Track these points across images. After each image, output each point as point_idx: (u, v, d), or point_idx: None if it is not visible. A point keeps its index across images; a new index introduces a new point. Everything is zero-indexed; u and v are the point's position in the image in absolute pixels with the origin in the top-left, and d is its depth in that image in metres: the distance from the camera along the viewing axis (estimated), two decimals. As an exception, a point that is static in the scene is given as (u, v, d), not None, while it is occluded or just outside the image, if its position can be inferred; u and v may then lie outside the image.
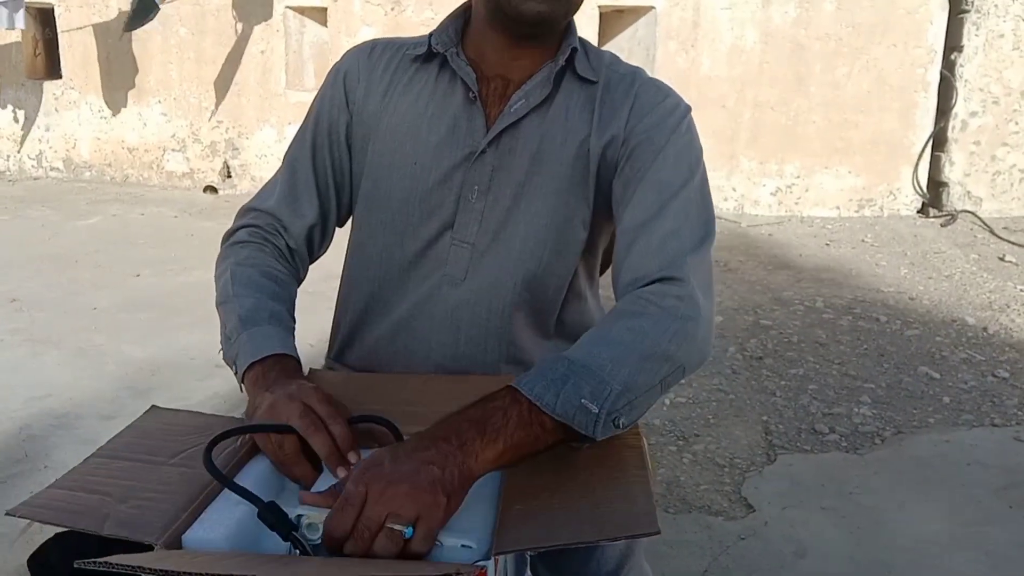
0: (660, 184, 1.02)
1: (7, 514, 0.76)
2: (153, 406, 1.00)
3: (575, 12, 1.08)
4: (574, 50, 1.08)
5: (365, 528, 0.72)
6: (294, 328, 1.06)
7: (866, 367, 3.25)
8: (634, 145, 1.05)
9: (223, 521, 0.77)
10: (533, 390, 0.84)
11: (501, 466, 0.82)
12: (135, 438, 0.92)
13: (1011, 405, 2.93)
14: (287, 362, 0.98)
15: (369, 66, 1.15)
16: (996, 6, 5.43)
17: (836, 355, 3.37)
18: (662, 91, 1.11)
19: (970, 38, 5.50)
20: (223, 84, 6.44)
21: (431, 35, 1.12)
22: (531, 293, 1.10)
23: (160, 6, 5.66)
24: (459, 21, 1.13)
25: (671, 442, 2.65)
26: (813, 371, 3.21)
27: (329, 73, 1.18)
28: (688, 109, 1.10)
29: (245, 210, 1.18)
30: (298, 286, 1.16)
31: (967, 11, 5.48)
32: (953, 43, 5.59)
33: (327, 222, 1.19)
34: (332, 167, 1.16)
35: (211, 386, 2.90)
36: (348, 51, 1.19)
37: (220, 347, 1.05)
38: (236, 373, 1.00)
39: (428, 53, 1.12)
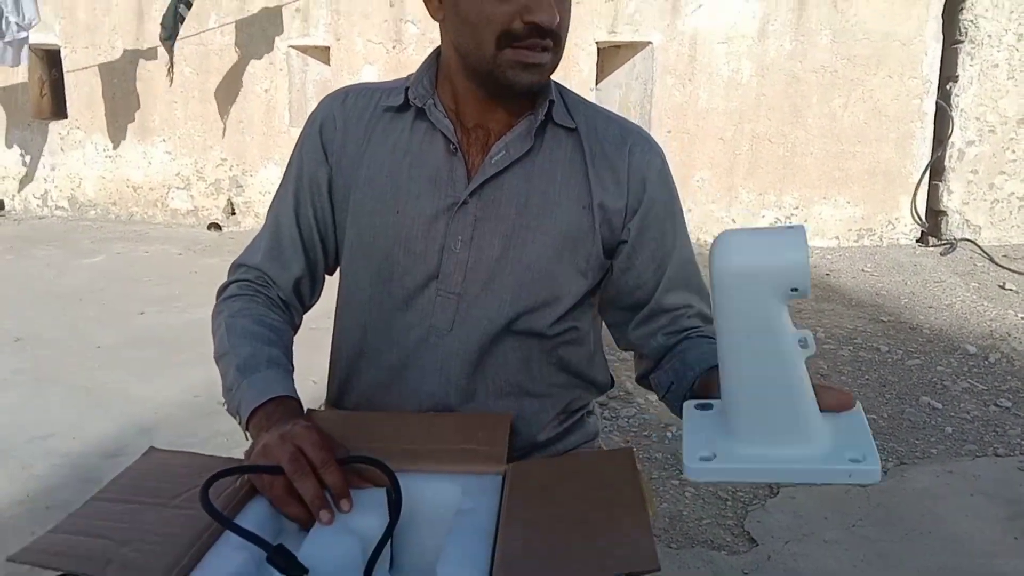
0: (683, 259, 1.16)
1: (8, 560, 0.76)
2: (151, 447, 1.01)
3: (556, 69, 1.09)
4: (551, 102, 1.09)
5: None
6: (292, 370, 1.07)
7: (868, 398, 3.25)
8: (647, 218, 1.11)
9: (225, 566, 0.78)
10: None
11: None
12: (135, 480, 0.92)
13: (1014, 435, 2.93)
14: (288, 403, 0.99)
15: (344, 115, 1.14)
16: (990, 36, 5.50)
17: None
18: (652, 147, 1.15)
19: (965, 68, 5.56)
20: (227, 122, 6.52)
21: (407, 87, 1.12)
22: (523, 342, 1.11)
23: (184, 16, 5.77)
24: (432, 69, 1.12)
25: (673, 475, 2.65)
26: (815, 402, 3.21)
27: (306, 123, 1.18)
28: (665, 159, 1.17)
29: (235, 266, 1.20)
30: (294, 333, 1.17)
31: (961, 41, 5.55)
32: (948, 73, 5.65)
33: (315, 273, 1.20)
34: (316, 219, 1.17)
35: (215, 424, 2.90)
36: (322, 100, 1.19)
37: (223, 400, 1.06)
38: (240, 423, 1.01)
39: (403, 104, 1.12)
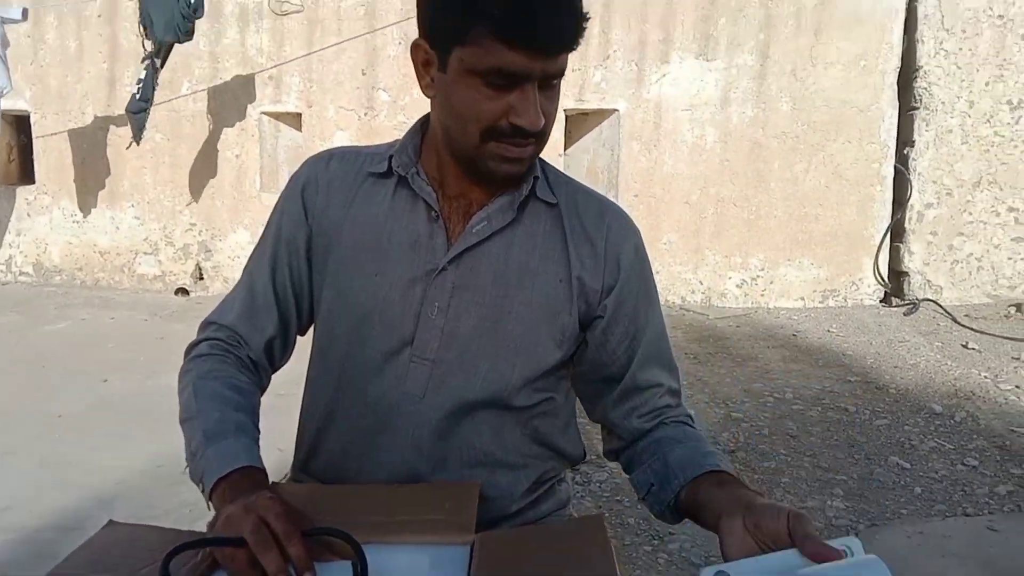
0: (656, 334, 1.18)
1: None
2: (111, 521, 0.98)
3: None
4: (536, 179, 1.11)
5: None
6: (259, 437, 1.06)
7: (837, 459, 3.26)
8: (622, 295, 1.13)
9: None
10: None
11: None
12: (93, 554, 0.90)
13: (982, 494, 2.94)
14: (253, 474, 0.97)
15: (328, 177, 1.15)
16: (943, 103, 5.70)
17: (807, 447, 3.38)
18: (629, 226, 1.17)
19: (921, 133, 5.75)
20: (197, 187, 6.53)
21: (391, 155, 1.13)
22: (497, 412, 1.11)
23: (146, 106, 5.78)
24: (417, 138, 1.13)
25: (646, 541, 2.62)
26: (785, 464, 3.22)
27: (288, 183, 1.18)
28: (641, 239, 1.19)
29: (206, 324, 1.19)
30: (262, 394, 1.16)
31: (916, 108, 5.75)
32: (905, 138, 5.84)
33: (287, 334, 1.19)
34: (291, 280, 1.16)
35: (178, 494, 2.83)
36: (306, 161, 1.19)
37: (186, 465, 1.04)
38: (204, 491, 0.99)
39: (387, 171, 1.13)
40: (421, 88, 1.08)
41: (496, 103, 0.98)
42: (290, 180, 1.19)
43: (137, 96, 5.66)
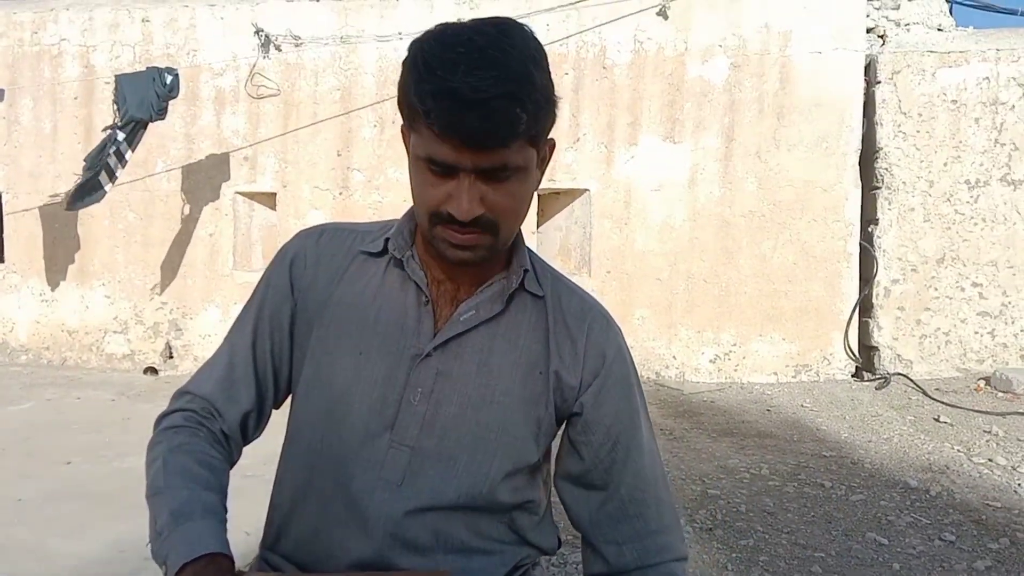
0: (645, 452, 1.15)
1: None
2: None
3: (506, 247, 1.08)
4: (526, 271, 1.12)
5: None
6: (226, 519, 1.03)
7: (815, 535, 3.23)
8: (603, 392, 1.12)
9: None
10: None
11: None
12: None
13: (960, 569, 2.92)
14: (220, 561, 0.95)
15: (317, 252, 1.15)
16: (904, 183, 5.88)
17: (785, 523, 3.35)
18: (611, 325, 1.17)
19: (884, 212, 5.91)
20: (170, 266, 6.51)
21: (387, 237, 1.13)
22: (475, 506, 1.09)
23: (106, 189, 5.74)
24: (412, 223, 1.13)
25: (624, 623, 2.56)
26: (763, 541, 3.18)
27: (276, 256, 1.18)
28: (624, 342, 1.18)
29: (180, 393, 1.16)
30: (231, 468, 1.13)
31: (879, 187, 5.92)
32: (869, 216, 5.99)
33: (263, 407, 1.17)
34: (272, 353, 1.15)
35: (140, 581, 2.74)
36: (297, 234, 1.19)
37: (148, 542, 1.01)
38: (165, 574, 0.96)
39: (380, 251, 1.13)
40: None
41: (437, 189, 0.98)
42: (279, 252, 1.18)
43: (84, 161, 5.62)
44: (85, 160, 5.70)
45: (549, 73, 0.99)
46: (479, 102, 0.90)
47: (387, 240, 1.13)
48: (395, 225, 1.14)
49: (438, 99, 0.91)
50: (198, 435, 1.10)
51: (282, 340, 1.15)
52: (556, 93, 1.01)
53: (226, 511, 1.04)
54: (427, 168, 0.98)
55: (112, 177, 5.71)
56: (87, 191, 5.67)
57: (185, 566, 0.93)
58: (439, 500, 1.07)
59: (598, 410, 1.12)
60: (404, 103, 0.99)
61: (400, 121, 1.04)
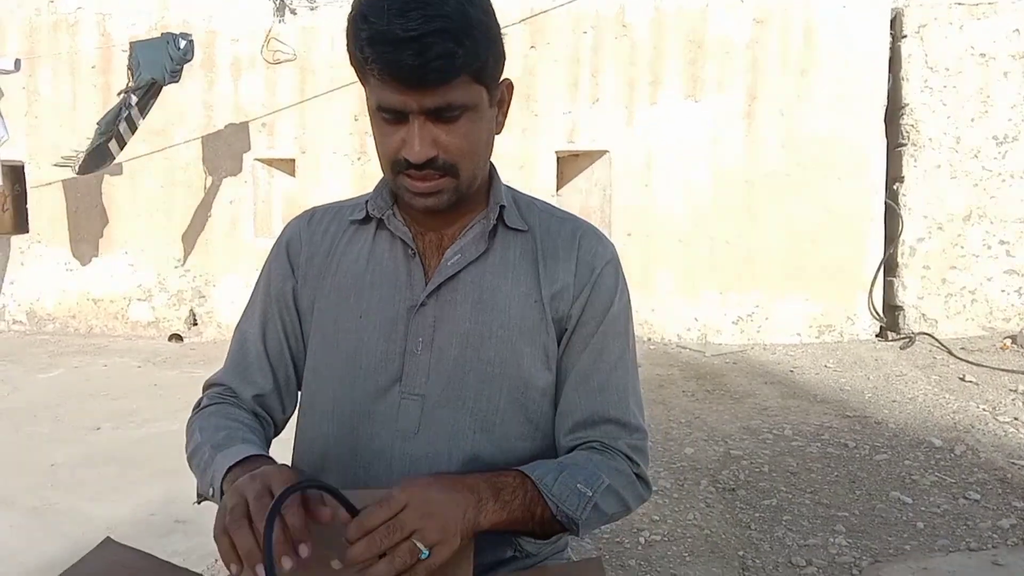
0: (609, 349, 1.15)
1: None
2: (108, 539, 0.98)
3: (470, 191, 1.09)
4: (502, 207, 1.14)
5: (395, 531, 0.85)
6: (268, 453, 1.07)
7: (838, 495, 3.23)
8: (591, 303, 1.13)
9: None
10: (535, 472, 1.03)
11: (495, 530, 0.96)
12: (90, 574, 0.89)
13: (985, 528, 2.91)
14: (265, 459, 1.00)
15: (310, 231, 1.20)
16: (930, 139, 5.77)
17: (808, 483, 3.35)
18: (603, 241, 1.18)
19: (910, 169, 5.81)
20: (191, 234, 6.54)
21: (367, 201, 1.17)
22: (490, 440, 1.11)
23: (115, 155, 5.76)
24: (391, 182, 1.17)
25: (647, 582, 2.58)
26: (786, 501, 3.18)
27: (274, 244, 1.23)
28: (617, 256, 1.19)
29: (206, 385, 1.22)
30: (267, 442, 1.16)
31: (904, 144, 5.81)
32: (895, 174, 5.89)
33: (284, 388, 1.21)
34: (285, 334, 1.19)
35: (171, 543, 2.79)
36: (290, 221, 1.24)
37: (197, 495, 1.06)
38: (213, 495, 1.00)
39: (366, 217, 1.16)
40: None
41: (392, 138, 1.01)
42: (277, 240, 1.23)
43: (98, 124, 5.63)
44: (99, 124, 5.70)
45: (491, 13, 1.01)
46: (411, 40, 0.92)
47: (367, 203, 1.17)
48: (374, 189, 1.18)
49: (374, 44, 0.94)
50: (225, 403, 1.16)
51: (292, 319, 1.19)
52: (501, 32, 1.03)
53: (267, 449, 1.09)
54: (380, 118, 1.01)
55: (121, 144, 5.71)
56: (98, 156, 5.67)
57: (231, 468, 0.97)
58: (457, 442, 1.09)
59: (585, 316, 1.13)
60: (352, 58, 1.01)
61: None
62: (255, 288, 1.23)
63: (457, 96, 0.98)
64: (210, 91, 6.45)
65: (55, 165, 6.08)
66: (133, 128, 5.69)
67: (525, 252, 1.14)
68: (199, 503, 1.08)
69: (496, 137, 1.12)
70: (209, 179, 6.50)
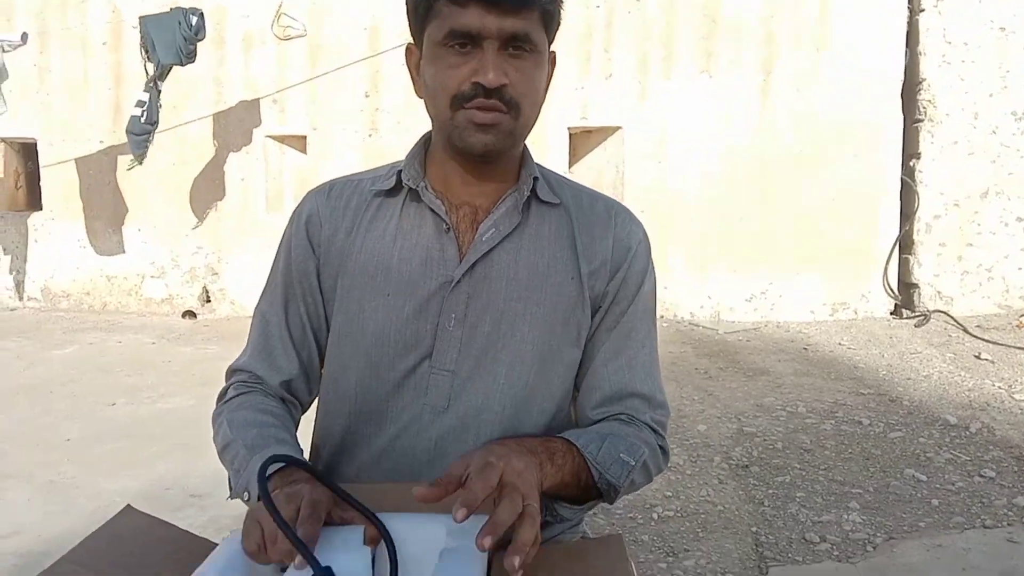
0: (638, 327, 1.16)
1: None
2: (128, 506, 0.99)
3: (521, 143, 1.10)
4: (536, 179, 1.12)
5: (511, 488, 0.85)
6: (302, 453, 1.07)
7: (852, 472, 3.22)
8: (623, 285, 1.14)
9: None
10: (579, 440, 1.04)
11: (547, 495, 0.96)
12: (109, 545, 0.90)
13: (1000, 505, 2.90)
14: (298, 469, 0.98)
15: (330, 207, 1.15)
16: (948, 115, 5.69)
17: (822, 460, 3.34)
18: (635, 221, 1.18)
19: (926, 145, 5.74)
20: (204, 211, 6.55)
21: (399, 171, 1.13)
22: (520, 416, 1.10)
23: (152, 128, 5.80)
24: (421, 153, 1.14)
25: (660, 558, 2.59)
26: (800, 478, 3.18)
27: (290, 221, 1.19)
28: (647, 236, 1.19)
29: (230, 371, 1.19)
30: (295, 424, 1.15)
31: (921, 120, 5.74)
32: (911, 150, 5.82)
33: (309, 370, 1.18)
34: (308, 315, 1.16)
35: (187, 517, 2.81)
36: (306, 195, 1.20)
37: (230, 491, 1.04)
38: (249, 499, 0.99)
39: (393, 187, 1.13)
40: (416, 94, 1.11)
41: (459, 69, 1.00)
42: (292, 217, 1.19)
43: (142, 119, 5.68)
44: (142, 117, 5.72)
45: None
46: None
47: (399, 173, 1.13)
48: (405, 159, 1.15)
49: None
50: (252, 392, 1.14)
51: (315, 299, 1.16)
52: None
53: (300, 447, 1.07)
54: (447, 51, 1.01)
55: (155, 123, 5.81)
56: (145, 142, 5.77)
57: (265, 470, 0.95)
58: (486, 417, 1.08)
59: (617, 297, 1.14)
60: (414, 4, 1.03)
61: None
62: (273, 267, 1.19)
63: (532, 30, 1.00)
64: (220, 67, 6.42)
65: (128, 169, 6.11)
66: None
67: (560, 227, 1.13)
68: (231, 498, 1.06)
69: None
70: (220, 156, 6.49)
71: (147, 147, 5.82)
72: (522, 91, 1.02)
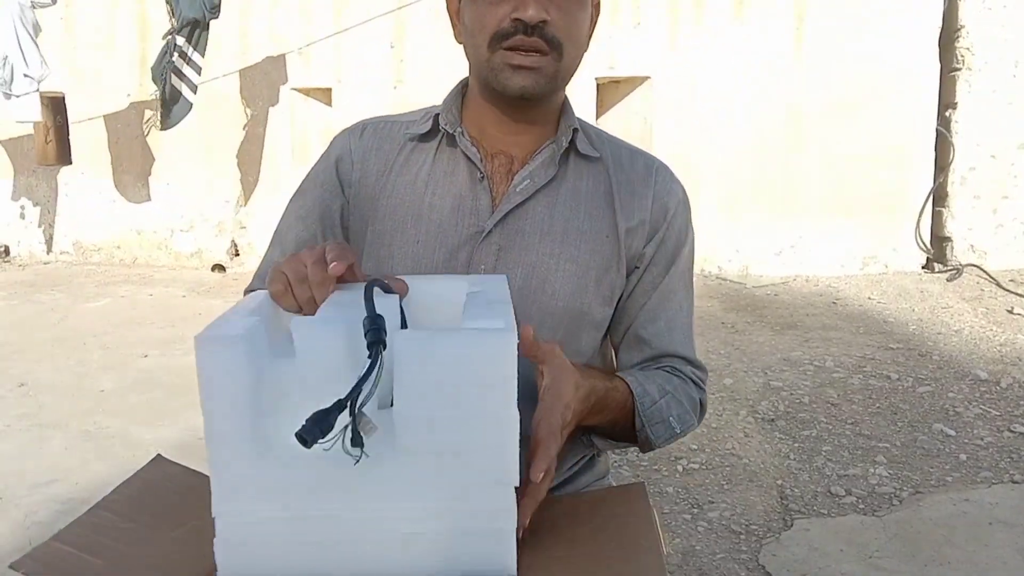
0: (676, 289, 1.16)
1: (10, 567, 0.77)
2: (159, 455, 1.00)
3: (562, 88, 1.07)
4: (575, 130, 1.09)
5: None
6: None
7: (880, 426, 3.21)
8: (663, 244, 1.12)
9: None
10: (638, 388, 1.05)
11: (588, 425, 0.99)
12: (140, 493, 0.92)
13: (1030, 461, 2.88)
14: None
15: (362, 147, 1.13)
16: (987, 63, 5.53)
17: (849, 415, 3.33)
18: (675, 180, 1.16)
19: (964, 95, 5.59)
20: (231, 165, 6.57)
21: (436, 115, 1.11)
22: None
23: (191, 100, 5.81)
24: (458, 99, 1.12)
25: (685, 510, 2.60)
26: (826, 432, 3.17)
27: (321, 157, 1.16)
28: (687, 196, 1.18)
29: (245, 292, 1.16)
30: None
31: (959, 69, 5.58)
32: (947, 100, 5.68)
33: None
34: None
35: (218, 466, 2.87)
36: (339, 134, 1.17)
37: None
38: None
39: (428, 132, 1.11)
40: (456, 39, 1.08)
41: (499, 7, 0.98)
42: (324, 154, 1.16)
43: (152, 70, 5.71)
44: (153, 72, 5.74)
45: None
46: None
47: (436, 117, 1.10)
48: (442, 104, 1.12)
49: None
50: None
51: (336, 238, 1.14)
52: None
53: None
54: None
55: (193, 88, 5.79)
56: (171, 105, 5.77)
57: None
58: None
59: (655, 258, 1.12)
60: None
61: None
62: (296, 199, 1.16)
63: None
64: (245, 21, 6.38)
65: (162, 129, 6.13)
66: (194, 67, 5.74)
67: (598, 183, 1.10)
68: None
69: None
70: (247, 110, 6.48)
71: (171, 113, 5.84)
72: (564, 30, 0.99)
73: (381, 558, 0.73)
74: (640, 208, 1.10)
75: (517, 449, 0.73)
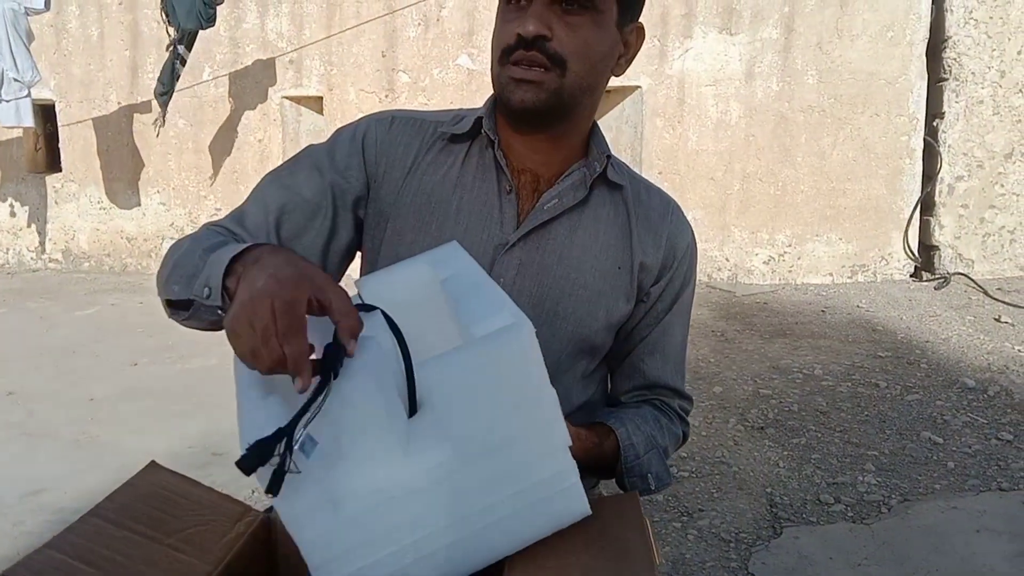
0: (676, 326, 1.20)
1: (2, 575, 0.77)
2: (153, 462, 1.00)
3: (571, 106, 1.03)
4: (608, 157, 1.10)
5: None
6: None
7: (868, 434, 3.23)
8: (668, 285, 1.15)
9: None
10: (625, 440, 1.09)
11: None
12: (133, 501, 0.92)
13: (1017, 468, 2.90)
14: (271, 247, 0.88)
15: (390, 140, 1.10)
16: (973, 73, 5.58)
17: (837, 423, 3.35)
18: (687, 224, 1.18)
19: (951, 105, 5.64)
20: (221, 172, 6.56)
21: (478, 117, 1.09)
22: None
23: (168, 91, 5.84)
24: (494, 111, 1.10)
25: (675, 518, 2.61)
26: (815, 440, 3.19)
27: (343, 134, 1.12)
28: (695, 238, 1.21)
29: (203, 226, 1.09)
30: None
31: (946, 79, 5.63)
32: (935, 110, 5.72)
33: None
34: (329, 232, 1.08)
35: (210, 475, 2.86)
36: (365, 117, 1.13)
37: (168, 306, 0.99)
38: (210, 296, 0.86)
39: (466, 134, 1.09)
40: None
41: (511, 24, 1.00)
42: (347, 132, 1.12)
43: (161, 82, 5.75)
44: (161, 82, 5.77)
45: None
46: None
47: (477, 120, 1.09)
48: (483, 108, 1.10)
49: None
50: (221, 234, 1.04)
51: (340, 223, 1.09)
52: None
53: None
54: (508, 6, 1.01)
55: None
56: (164, 104, 5.87)
57: (233, 262, 0.84)
58: None
59: (661, 298, 1.16)
60: None
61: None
62: (300, 162, 1.11)
63: None
64: (237, 27, 6.39)
65: (158, 127, 6.19)
66: (184, 61, 5.83)
67: (618, 213, 1.11)
68: (173, 300, 0.94)
69: None
70: (237, 117, 6.48)
71: (164, 112, 5.88)
72: (569, 47, 0.98)
73: (478, 549, 0.79)
74: (654, 247, 1.12)
75: (561, 415, 0.81)
